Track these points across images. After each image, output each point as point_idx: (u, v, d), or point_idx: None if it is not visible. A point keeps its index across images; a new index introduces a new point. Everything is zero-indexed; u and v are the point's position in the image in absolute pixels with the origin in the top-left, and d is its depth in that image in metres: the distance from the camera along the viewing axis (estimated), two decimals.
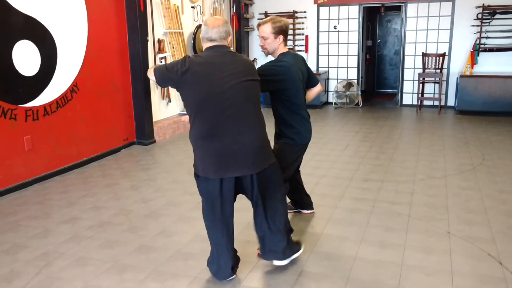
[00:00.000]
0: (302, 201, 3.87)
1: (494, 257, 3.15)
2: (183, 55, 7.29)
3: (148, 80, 6.44)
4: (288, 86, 3.16)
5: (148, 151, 6.24)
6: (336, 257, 3.19)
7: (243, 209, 3.36)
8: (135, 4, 6.05)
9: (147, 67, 6.39)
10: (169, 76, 2.62)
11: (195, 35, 7.64)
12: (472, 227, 3.62)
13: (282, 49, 3.19)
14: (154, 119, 6.70)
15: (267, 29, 3.10)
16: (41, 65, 4.91)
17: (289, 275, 2.97)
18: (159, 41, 6.79)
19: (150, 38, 6.52)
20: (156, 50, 6.77)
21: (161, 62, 6.80)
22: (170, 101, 7.25)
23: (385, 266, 3.05)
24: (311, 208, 3.90)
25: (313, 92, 3.55)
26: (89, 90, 5.61)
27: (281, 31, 3.11)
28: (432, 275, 2.92)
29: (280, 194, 2.86)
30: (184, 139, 6.84)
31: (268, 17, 3.18)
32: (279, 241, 2.88)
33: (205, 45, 2.70)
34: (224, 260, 2.82)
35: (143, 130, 6.48)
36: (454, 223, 3.70)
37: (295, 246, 3.05)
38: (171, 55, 7.15)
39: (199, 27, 7.72)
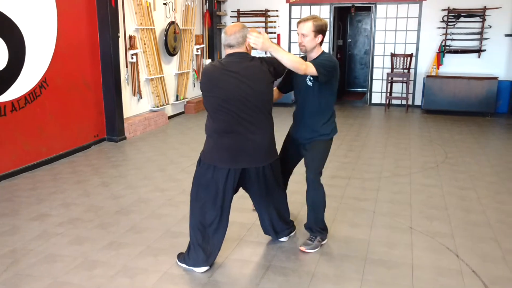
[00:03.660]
0: None
1: (452, 250, 3.31)
2: (155, 52, 7.29)
3: (119, 76, 6.41)
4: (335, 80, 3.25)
5: (118, 147, 6.22)
6: (303, 253, 3.29)
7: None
8: (106, 0, 6.02)
9: (118, 63, 6.37)
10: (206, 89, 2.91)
11: (167, 31, 7.63)
12: (433, 222, 3.79)
13: (320, 49, 3.20)
14: (125, 116, 6.68)
15: (309, 26, 3.09)
16: (9, 60, 4.83)
17: (257, 269, 3.05)
18: (130, 37, 6.76)
19: (121, 34, 6.49)
20: (128, 46, 6.73)
21: (132, 58, 6.78)
22: (141, 98, 7.22)
23: (350, 260, 3.17)
24: None
25: None
26: (58, 86, 5.55)
27: (321, 31, 3.13)
28: (393, 269, 3.06)
29: (281, 185, 3.30)
30: (155, 136, 6.84)
31: (310, 15, 3.19)
32: (284, 226, 3.36)
33: (226, 51, 2.94)
34: (213, 243, 2.99)
35: (113, 127, 6.45)
36: (417, 219, 3.86)
37: (293, 227, 3.53)
38: (142, 52, 7.12)
39: (171, 23, 7.71)
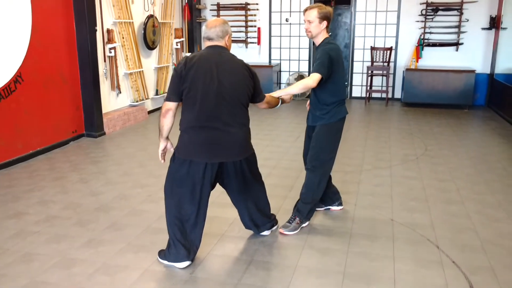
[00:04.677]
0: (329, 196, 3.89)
1: (433, 242, 3.34)
2: (133, 46, 7.18)
3: (97, 70, 6.29)
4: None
5: (97, 143, 6.12)
6: (284, 246, 3.29)
7: None
8: None
9: (95, 57, 6.25)
10: (177, 80, 2.81)
11: (145, 25, 7.51)
12: (413, 214, 3.82)
13: (325, 34, 3.38)
14: (103, 111, 6.56)
15: (314, 13, 3.30)
16: None
17: (239, 264, 3.03)
18: (108, 31, 6.63)
19: (98, 27, 6.36)
20: (105, 40, 6.61)
21: (110, 52, 6.66)
22: (120, 92, 7.11)
23: (332, 253, 3.17)
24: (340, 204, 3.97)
25: None
26: (34, 81, 5.42)
27: (326, 17, 3.32)
28: (375, 261, 3.07)
29: (260, 179, 3.28)
30: (135, 131, 6.75)
31: (315, 3, 3.43)
32: (265, 220, 3.37)
33: (205, 44, 2.93)
34: (191, 239, 2.97)
35: (92, 122, 6.34)
36: (397, 211, 3.89)
37: (275, 220, 3.51)
38: (120, 46, 7.01)
39: (149, 17, 7.60)
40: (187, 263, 2.98)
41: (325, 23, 3.32)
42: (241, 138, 2.92)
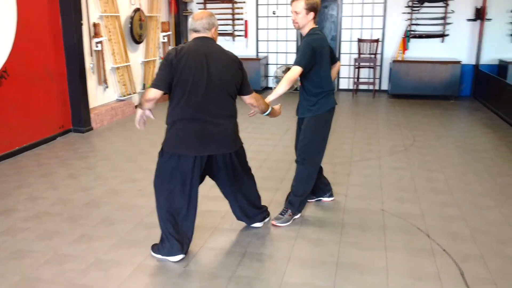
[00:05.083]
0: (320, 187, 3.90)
1: (423, 231, 3.39)
2: (120, 40, 7.11)
3: (83, 65, 6.22)
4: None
5: (85, 138, 6.06)
6: (278, 237, 3.30)
7: None
8: None
9: (82, 52, 6.18)
10: (167, 69, 2.75)
11: (132, 19, 7.44)
12: (403, 204, 3.86)
13: (312, 25, 3.37)
14: (90, 106, 6.50)
15: (301, 4, 3.27)
16: None
17: (233, 257, 3.04)
18: (94, 25, 6.55)
19: (85, 22, 6.28)
20: (92, 34, 6.53)
21: (97, 46, 6.58)
22: (108, 87, 7.04)
23: (324, 244, 3.20)
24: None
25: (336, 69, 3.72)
26: (20, 76, 5.34)
27: (313, 9, 3.30)
28: (367, 251, 3.10)
29: (249, 171, 3.28)
30: (123, 126, 6.70)
31: None
32: (256, 211, 3.38)
33: (192, 36, 2.91)
34: (183, 231, 2.96)
35: (79, 117, 6.28)
36: (388, 201, 3.93)
37: (266, 212, 3.52)
38: (107, 40, 6.93)
39: (136, 10, 7.52)
40: (180, 256, 2.98)
41: (312, 14, 3.31)
42: (230, 130, 2.92)
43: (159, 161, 2.94)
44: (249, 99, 3.06)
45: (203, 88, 2.76)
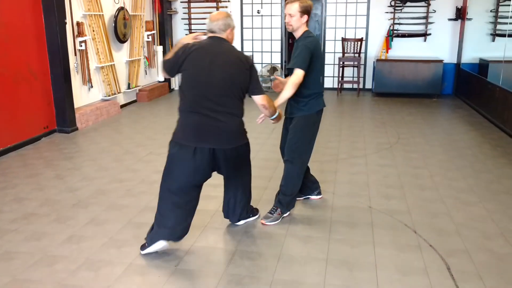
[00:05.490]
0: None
1: (410, 227, 3.45)
2: (105, 39, 7.05)
3: (68, 64, 6.16)
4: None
5: (70, 139, 6.00)
6: (267, 236, 3.33)
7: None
8: None
9: (66, 51, 6.11)
10: (176, 61, 2.94)
11: (116, 18, 7.38)
12: (390, 201, 3.92)
13: (305, 28, 3.43)
14: (75, 106, 6.43)
15: (295, 7, 3.33)
16: None
17: (224, 255, 3.06)
18: (78, 24, 6.49)
19: (68, 20, 6.22)
20: (76, 33, 6.47)
21: (81, 46, 6.52)
22: (92, 86, 6.98)
23: (314, 241, 3.23)
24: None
25: None
26: (3, 76, 5.26)
27: (306, 11, 3.36)
28: (356, 247, 3.15)
29: (249, 169, 3.35)
30: (109, 126, 6.65)
31: None
32: (241, 208, 3.40)
33: (208, 36, 3.04)
34: (175, 220, 2.99)
35: (64, 117, 6.21)
36: (375, 198, 3.99)
37: (255, 212, 3.59)
38: (91, 39, 6.87)
39: (120, 9, 7.47)
40: (164, 243, 2.99)
41: (305, 17, 3.37)
42: (231, 127, 2.97)
43: (168, 149, 3.03)
44: (261, 100, 3.09)
45: (203, 84, 2.86)
